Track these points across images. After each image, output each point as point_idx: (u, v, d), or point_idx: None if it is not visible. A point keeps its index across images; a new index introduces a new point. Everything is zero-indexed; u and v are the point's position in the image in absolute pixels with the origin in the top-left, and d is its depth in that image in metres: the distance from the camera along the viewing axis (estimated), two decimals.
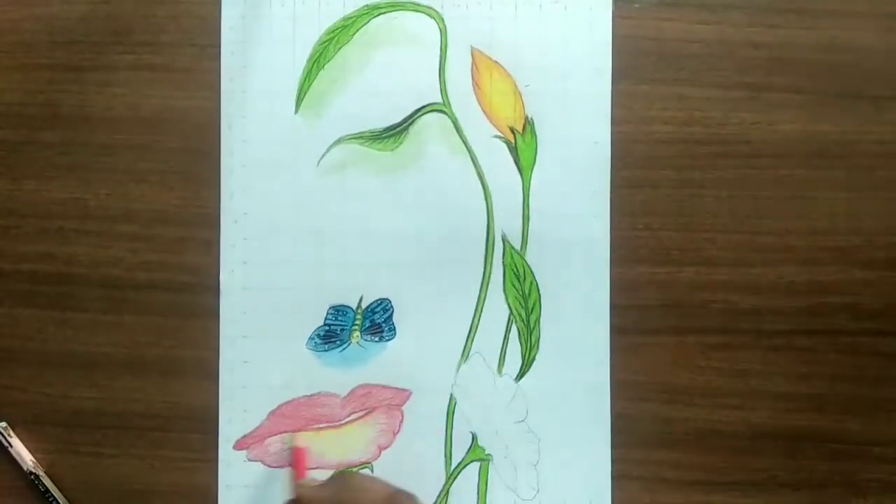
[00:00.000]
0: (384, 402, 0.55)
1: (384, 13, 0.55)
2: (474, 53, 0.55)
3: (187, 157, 0.55)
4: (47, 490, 0.54)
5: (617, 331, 0.55)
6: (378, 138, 0.55)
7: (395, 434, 0.55)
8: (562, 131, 0.55)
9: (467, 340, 0.55)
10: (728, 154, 0.55)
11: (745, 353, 0.55)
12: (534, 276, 0.55)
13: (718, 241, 0.55)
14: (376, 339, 0.55)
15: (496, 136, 0.55)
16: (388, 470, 0.55)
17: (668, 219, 0.55)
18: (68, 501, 0.54)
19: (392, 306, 0.55)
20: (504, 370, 0.56)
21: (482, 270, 0.55)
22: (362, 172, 0.55)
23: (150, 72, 0.55)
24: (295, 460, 0.54)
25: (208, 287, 0.55)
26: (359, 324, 0.55)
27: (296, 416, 0.55)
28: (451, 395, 0.55)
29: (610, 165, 0.55)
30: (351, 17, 0.55)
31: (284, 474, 0.55)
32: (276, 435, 0.55)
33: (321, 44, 0.55)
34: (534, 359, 0.55)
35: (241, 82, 0.55)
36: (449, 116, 0.55)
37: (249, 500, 0.55)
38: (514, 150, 0.55)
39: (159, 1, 0.55)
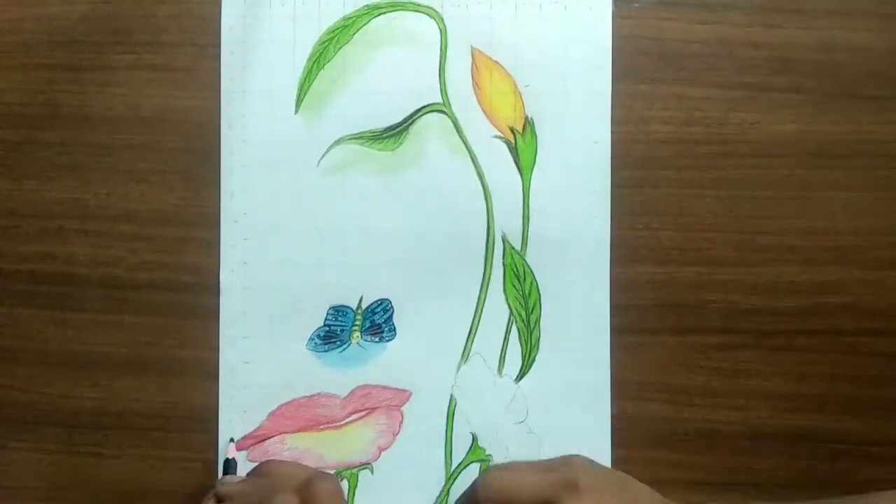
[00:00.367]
0: (384, 403, 0.55)
1: (384, 13, 0.55)
2: (474, 53, 0.55)
3: (187, 157, 0.55)
4: None
5: (617, 331, 0.55)
6: (378, 138, 0.55)
7: (395, 435, 0.55)
8: (562, 131, 0.55)
9: (467, 341, 0.55)
10: (728, 154, 0.55)
11: (745, 353, 0.55)
12: (534, 277, 0.55)
13: (718, 241, 0.55)
14: (376, 339, 0.55)
15: (496, 137, 0.55)
16: (388, 471, 0.55)
17: (668, 219, 0.55)
18: None
19: (392, 307, 0.55)
20: (504, 371, 0.56)
21: (482, 271, 0.55)
22: (362, 172, 0.55)
23: (151, 72, 0.55)
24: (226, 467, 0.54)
25: (208, 287, 0.55)
26: (359, 324, 0.55)
27: (296, 417, 0.55)
28: (452, 395, 0.55)
29: (610, 165, 0.55)
30: (351, 17, 0.55)
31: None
32: (276, 436, 0.55)
33: (321, 44, 0.55)
34: (534, 359, 0.55)
35: (241, 82, 0.55)
36: (449, 116, 0.55)
37: None
38: (514, 150, 0.55)
39: (159, 1, 0.55)
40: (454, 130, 0.55)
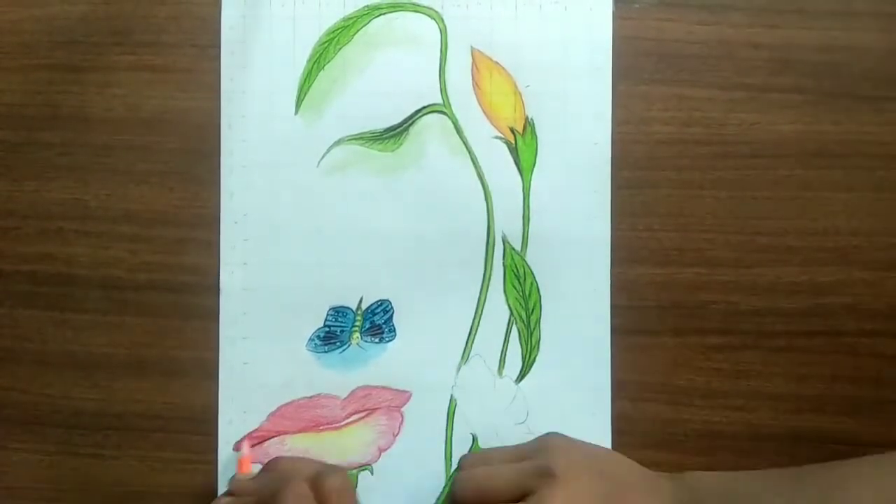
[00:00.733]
0: (384, 404, 0.55)
1: (384, 14, 0.55)
2: (474, 54, 0.55)
3: (187, 158, 0.55)
4: None
5: (617, 331, 0.55)
6: (378, 139, 0.55)
7: (395, 435, 0.55)
8: (562, 132, 0.55)
9: (467, 342, 0.55)
10: (728, 154, 0.55)
11: (745, 354, 0.55)
12: (534, 277, 0.55)
13: (718, 241, 0.55)
14: (376, 340, 0.55)
15: (496, 137, 0.55)
16: (388, 472, 0.55)
17: (668, 219, 0.55)
18: None
19: (392, 307, 0.55)
20: (504, 371, 0.55)
21: (482, 271, 0.55)
22: (362, 173, 0.55)
23: (151, 72, 0.55)
24: (241, 463, 0.54)
25: (208, 288, 0.55)
26: (359, 325, 0.55)
27: (296, 418, 0.55)
28: (452, 396, 0.55)
29: (610, 166, 0.55)
30: (351, 18, 0.55)
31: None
32: (275, 437, 0.55)
33: (321, 44, 0.55)
34: (534, 360, 0.55)
35: (241, 82, 0.55)
36: (449, 117, 0.55)
37: None
38: (514, 150, 0.55)
39: (159, 1, 0.55)
40: (454, 131, 0.55)
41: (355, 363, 0.55)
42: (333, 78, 0.55)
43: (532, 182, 0.55)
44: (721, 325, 0.55)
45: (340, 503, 0.47)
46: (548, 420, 0.55)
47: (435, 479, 0.55)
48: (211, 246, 0.55)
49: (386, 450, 0.55)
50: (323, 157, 0.55)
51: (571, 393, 0.55)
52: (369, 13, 0.55)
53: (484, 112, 0.55)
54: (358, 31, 0.55)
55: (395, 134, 0.55)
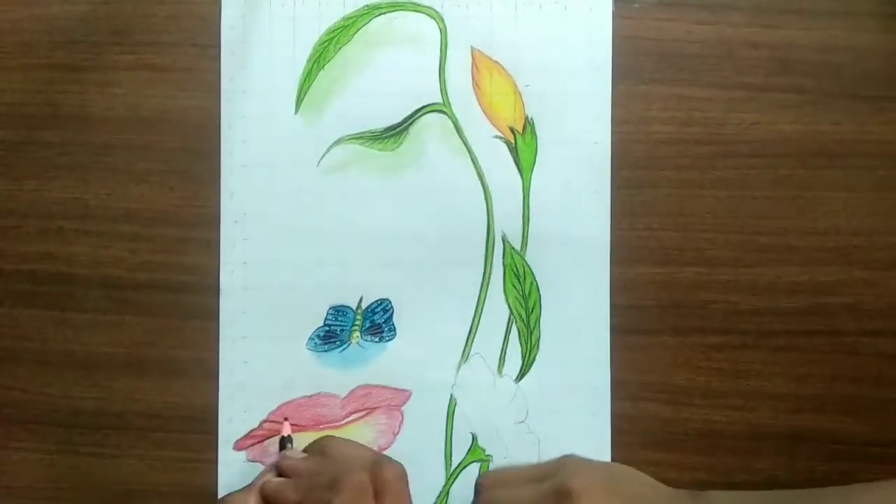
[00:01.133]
0: (384, 403, 0.55)
1: (384, 13, 0.55)
2: (474, 53, 0.55)
3: (187, 157, 0.55)
4: None
5: (617, 331, 0.55)
6: (378, 138, 0.55)
7: (394, 434, 0.55)
8: (562, 131, 0.55)
9: (467, 341, 0.55)
10: (728, 154, 0.55)
11: (745, 354, 0.55)
12: (534, 277, 0.55)
13: (718, 241, 0.55)
14: (376, 339, 0.55)
15: (496, 137, 0.55)
16: None
17: (668, 219, 0.55)
18: None
19: (392, 307, 0.55)
20: (504, 370, 0.56)
21: (482, 271, 0.55)
22: (362, 172, 0.55)
23: (151, 72, 0.55)
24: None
25: (208, 287, 0.55)
26: (359, 324, 0.55)
27: (296, 417, 0.55)
28: (451, 395, 0.55)
29: (610, 165, 0.55)
30: (351, 17, 0.55)
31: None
32: (275, 436, 0.55)
33: (321, 44, 0.55)
34: (534, 359, 0.55)
35: (241, 82, 0.55)
36: (449, 117, 0.55)
37: None
38: (514, 150, 0.55)
39: (159, 1, 0.55)
40: (454, 130, 0.55)
41: (355, 362, 0.55)
42: (333, 77, 0.55)
43: (532, 182, 0.55)
44: (721, 324, 0.55)
45: (398, 493, 0.47)
46: (547, 419, 0.55)
47: (435, 478, 0.55)
48: (211, 245, 0.55)
49: (386, 448, 0.55)
50: (323, 156, 0.55)
51: (571, 392, 0.55)
52: (369, 13, 0.55)
53: (484, 112, 0.55)
54: (358, 30, 0.55)
55: (394, 133, 0.55)
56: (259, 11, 0.55)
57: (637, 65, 0.55)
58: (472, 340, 0.55)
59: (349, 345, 0.55)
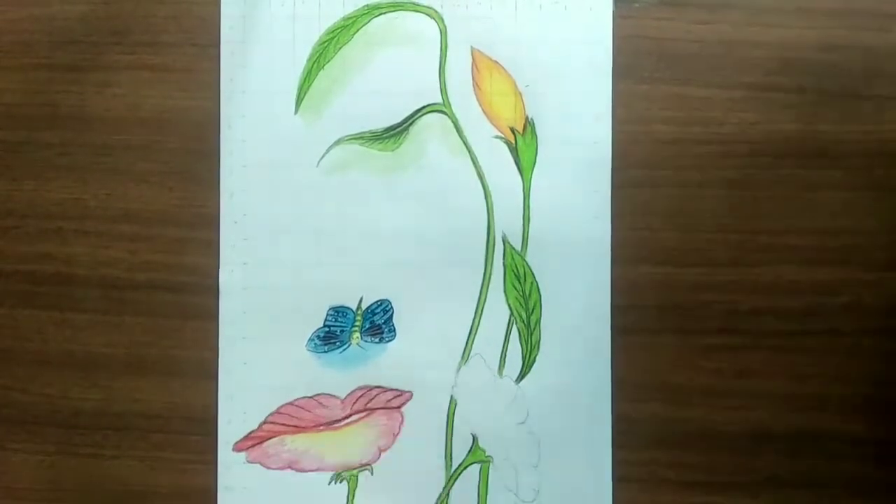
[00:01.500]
0: (384, 404, 0.55)
1: (384, 13, 0.55)
2: (474, 53, 0.55)
3: (187, 157, 0.55)
4: None
5: (618, 331, 0.55)
6: (378, 138, 0.55)
7: (395, 436, 0.55)
8: (562, 131, 0.55)
9: (467, 342, 0.55)
10: (728, 154, 0.55)
11: (745, 354, 0.55)
12: (534, 277, 0.55)
13: (719, 241, 0.55)
14: (376, 340, 0.55)
15: (496, 137, 0.55)
16: (388, 472, 0.55)
17: (668, 219, 0.55)
18: None
19: (392, 307, 0.55)
20: (504, 371, 0.55)
21: (482, 271, 0.55)
22: (362, 173, 0.55)
23: (150, 72, 0.55)
24: None
25: (208, 287, 0.55)
26: (359, 325, 0.55)
27: (295, 418, 0.55)
28: (452, 396, 0.55)
29: (610, 165, 0.55)
30: (351, 17, 0.55)
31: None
32: (275, 437, 0.55)
33: (321, 44, 0.55)
34: (534, 360, 0.55)
35: (241, 82, 0.55)
36: (449, 117, 0.55)
37: (249, 501, 0.55)
38: (514, 150, 0.55)
39: (159, 1, 0.55)
40: (454, 131, 0.55)
41: (355, 363, 0.55)
42: (333, 77, 0.55)
43: (532, 182, 0.55)
44: (721, 325, 0.55)
45: None
46: (548, 420, 0.55)
47: (435, 480, 0.55)
48: (211, 245, 0.55)
49: (386, 450, 0.55)
50: (323, 156, 0.55)
51: (571, 393, 0.55)
52: (369, 12, 0.55)
53: (484, 112, 0.55)
54: (358, 30, 0.55)
55: (394, 133, 0.55)
56: (259, 11, 0.55)
57: (637, 65, 0.55)
58: (473, 341, 0.55)
59: (349, 345, 0.55)
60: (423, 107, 0.55)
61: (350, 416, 0.55)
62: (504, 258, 0.55)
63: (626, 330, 0.55)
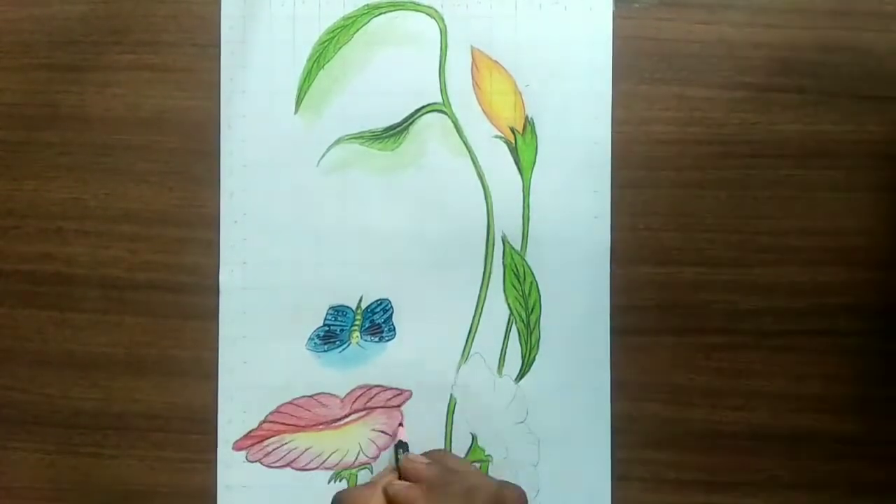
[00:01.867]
0: (384, 403, 0.55)
1: (384, 13, 0.55)
2: (474, 53, 0.55)
3: (187, 157, 0.55)
4: None
5: (617, 331, 0.55)
6: (378, 138, 0.55)
7: (394, 435, 0.55)
8: (562, 131, 0.55)
9: (467, 341, 0.55)
10: (728, 154, 0.55)
11: (745, 354, 0.55)
12: (534, 277, 0.55)
13: (719, 241, 0.55)
14: (376, 339, 0.55)
15: (496, 136, 0.55)
16: None
17: (668, 219, 0.55)
18: None
19: (392, 307, 0.55)
20: (504, 371, 0.55)
21: (482, 271, 0.55)
22: (362, 172, 0.55)
23: (150, 72, 0.55)
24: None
25: (208, 287, 0.55)
26: (358, 324, 0.55)
27: (295, 417, 0.55)
28: (451, 395, 0.55)
29: (610, 165, 0.55)
30: (351, 17, 0.55)
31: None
32: (275, 436, 0.55)
33: (321, 44, 0.55)
34: (534, 359, 0.55)
35: (240, 82, 0.55)
36: (449, 116, 0.55)
37: (248, 500, 0.55)
38: (514, 150, 0.55)
39: (159, 1, 0.55)
40: (454, 130, 0.55)
41: (355, 362, 0.55)
42: (333, 77, 0.55)
43: (532, 181, 0.55)
44: (721, 325, 0.55)
45: None
46: (547, 419, 0.55)
47: None
48: (211, 245, 0.55)
49: (386, 449, 0.55)
50: (323, 156, 0.55)
51: (571, 393, 0.55)
52: (369, 12, 0.55)
53: (484, 111, 0.55)
54: (358, 30, 0.55)
55: (394, 133, 0.55)
56: (259, 11, 0.55)
57: (637, 65, 0.55)
58: (472, 340, 0.55)
59: (349, 345, 0.55)
60: (423, 106, 0.55)
61: (350, 415, 0.55)
62: (504, 258, 0.55)
63: (626, 330, 0.55)
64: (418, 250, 0.55)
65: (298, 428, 0.55)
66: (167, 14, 0.55)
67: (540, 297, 0.55)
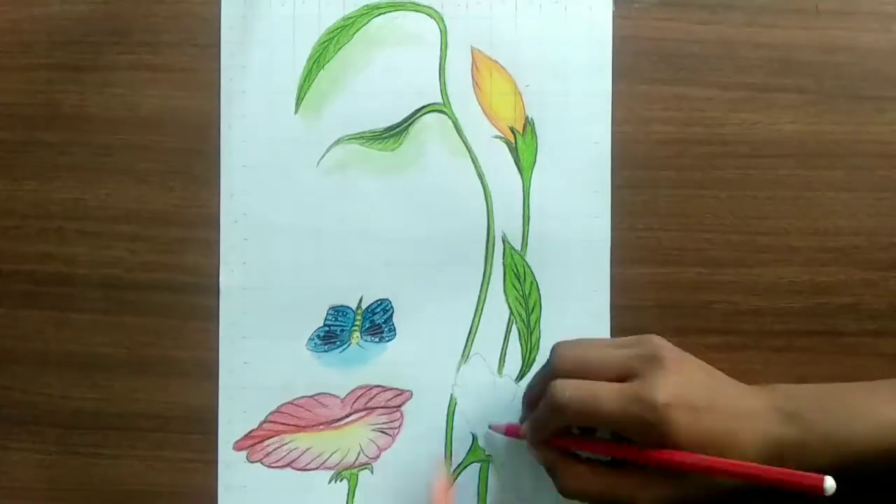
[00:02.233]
0: (384, 403, 0.55)
1: (384, 13, 0.55)
2: (474, 53, 0.55)
3: (187, 157, 0.55)
4: None
5: (617, 331, 0.55)
6: (378, 138, 0.55)
7: (394, 435, 0.55)
8: (562, 131, 0.55)
9: (467, 341, 0.55)
10: (728, 154, 0.55)
11: (745, 354, 0.55)
12: (534, 277, 0.55)
13: (719, 241, 0.55)
14: (376, 339, 0.55)
15: (496, 137, 0.55)
16: (388, 471, 0.55)
17: (668, 219, 0.55)
18: None
19: (392, 307, 0.55)
20: (504, 371, 0.55)
21: (482, 271, 0.55)
22: (362, 172, 0.55)
23: (150, 72, 0.55)
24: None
25: (208, 287, 0.55)
26: (359, 324, 0.55)
27: (295, 417, 0.55)
28: (452, 395, 0.55)
29: (610, 165, 0.55)
30: (351, 17, 0.55)
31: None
32: (275, 436, 0.55)
33: (321, 44, 0.55)
34: (534, 359, 0.55)
35: (241, 82, 0.55)
36: (449, 117, 0.55)
37: (249, 501, 0.55)
38: (514, 150, 0.55)
39: (159, 1, 0.55)
40: (454, 130, 0.55)
41: (355, 362, 0.55)
42: (333, 77, 0.55)
43: (532, 182, 0.55)
44: (721, 324, 0.55)
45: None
46: None
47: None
48: (211, 246, 0.55)
49: (386, 449, 0.55)
50: (323, 156, 0.55)
51: None
52: (369, 12, 0.55)
53: (484, 111, 0.55)
54: (358, 30, 0.55)
55: (394, 133, 0.55)
56: (259, 11, 0.55)
57: (637, 65, 0.55)
58: (472, 340, 0.55)
59: (349, 345, 0.55)
60: (423, 107, 0.55)
61: (350, 415, 0.55)
62: (504, 258, 0.55)
63: (626, 330, 0.55)
64: (418, 250, 0.55)
65: (299, 428, 0.55)
66: (167, 14, 0.55)
67: (540, 297, 0.55)
